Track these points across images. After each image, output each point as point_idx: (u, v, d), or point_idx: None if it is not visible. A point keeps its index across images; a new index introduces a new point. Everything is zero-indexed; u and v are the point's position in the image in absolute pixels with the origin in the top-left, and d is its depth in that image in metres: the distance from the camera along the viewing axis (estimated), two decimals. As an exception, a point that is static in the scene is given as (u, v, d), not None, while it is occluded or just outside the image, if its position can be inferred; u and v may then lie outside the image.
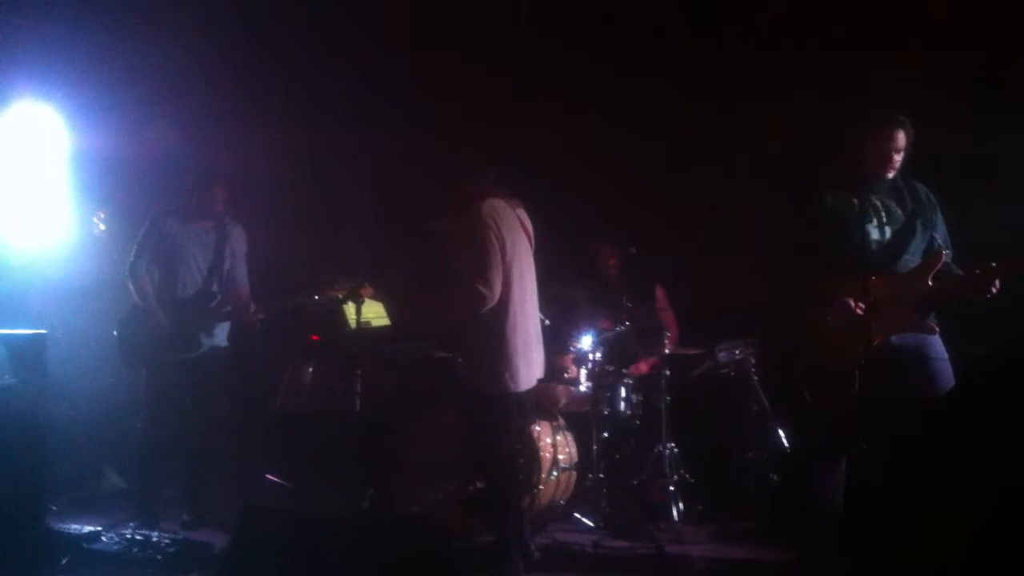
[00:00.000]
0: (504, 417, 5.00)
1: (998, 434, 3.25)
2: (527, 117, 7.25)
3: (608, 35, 7.14)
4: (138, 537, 5.10)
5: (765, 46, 6.67)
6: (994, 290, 4.41)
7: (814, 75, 6.38)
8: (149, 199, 6.82)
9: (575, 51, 7.21)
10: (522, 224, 5.15)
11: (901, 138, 4.62)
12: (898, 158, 4.65)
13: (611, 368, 6.57)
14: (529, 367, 5.02)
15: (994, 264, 4.41)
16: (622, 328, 6.58)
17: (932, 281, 4.54)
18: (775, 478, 6.25)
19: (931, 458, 3.52)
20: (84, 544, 5.04)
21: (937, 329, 4.57)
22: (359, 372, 5.96)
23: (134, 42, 7.43)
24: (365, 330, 6.05)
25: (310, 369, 7.10)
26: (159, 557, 4.93)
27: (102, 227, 7.34)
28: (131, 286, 6.02)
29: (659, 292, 7.12)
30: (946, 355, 4.59)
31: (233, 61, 7.63)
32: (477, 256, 4.87)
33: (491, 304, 4.86)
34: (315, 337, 7.11)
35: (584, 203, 7.35)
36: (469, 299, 4.85)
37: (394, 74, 7.66)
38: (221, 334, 6.18)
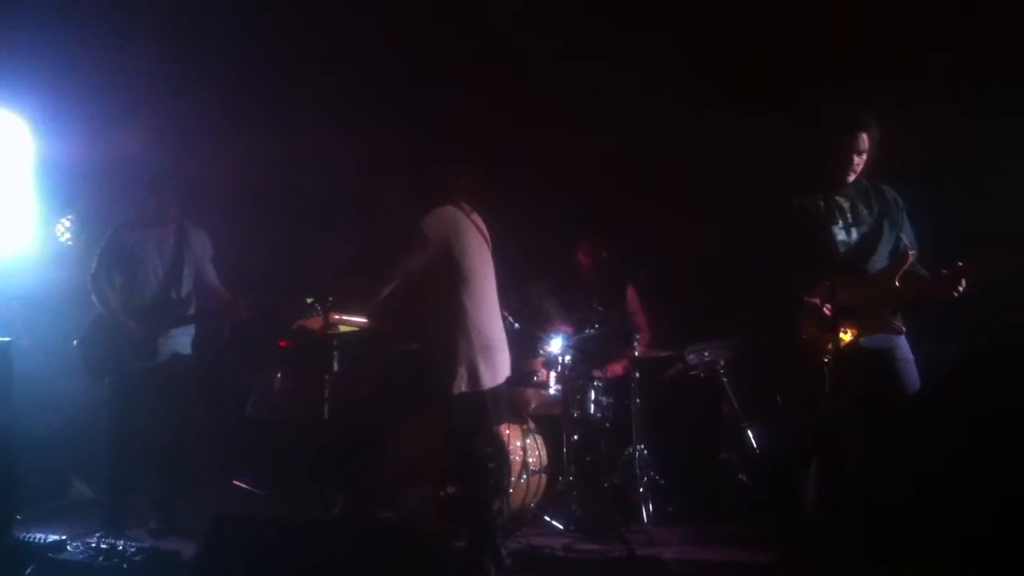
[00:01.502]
0: (474, 418, 4.98)
1: (991, 434, 3.27)
2: (518, 117, 7.22)
3: (608, 35, 7.13)
4: (104, 546, 5.02)
5: (765, 46, 6.67)
6: (960, 289, 4.44)
7: (814, 75, 6.37)
8: (114, 207, 6.77)
9: (575, 51, 7.18)
10: (478, 228, 5.14)
11: (864, 140, 4.63)
12: (860, 160, 4.66)
13: (583, 368, 6.56)
14: (491, 367, 5.00)
15: (960, 264, 4.45)
16: (592, 331, 6.58)
17: (900, 282, 4.57)
18: (745, 479, 6.27)
19: (924, 459, 3.54)
20: (49, 554, 4.94)
21: (904, 329, 4.60)
22: (328, 377, 5.92)
23: (100, 49, 7.36)
24: (333, 335, 6.02)
25: (279, 375, 7.05)
26: (125, 566, 4.85)
27: (67, 236, 7.29)
28: (93, 297, 6.02)
29: (631, 294, 7.12)
30: (912, 356, 4.62)
31: (201, 67, 7.57)
32: (395, 255, 4.98)
33: (374, 299, 5.04)
34: (284, 343, 7.07)
35: (563, 205, 7.36)
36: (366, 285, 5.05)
37: (370, 77, 7.60)
38: (183, 341, 6.14)
